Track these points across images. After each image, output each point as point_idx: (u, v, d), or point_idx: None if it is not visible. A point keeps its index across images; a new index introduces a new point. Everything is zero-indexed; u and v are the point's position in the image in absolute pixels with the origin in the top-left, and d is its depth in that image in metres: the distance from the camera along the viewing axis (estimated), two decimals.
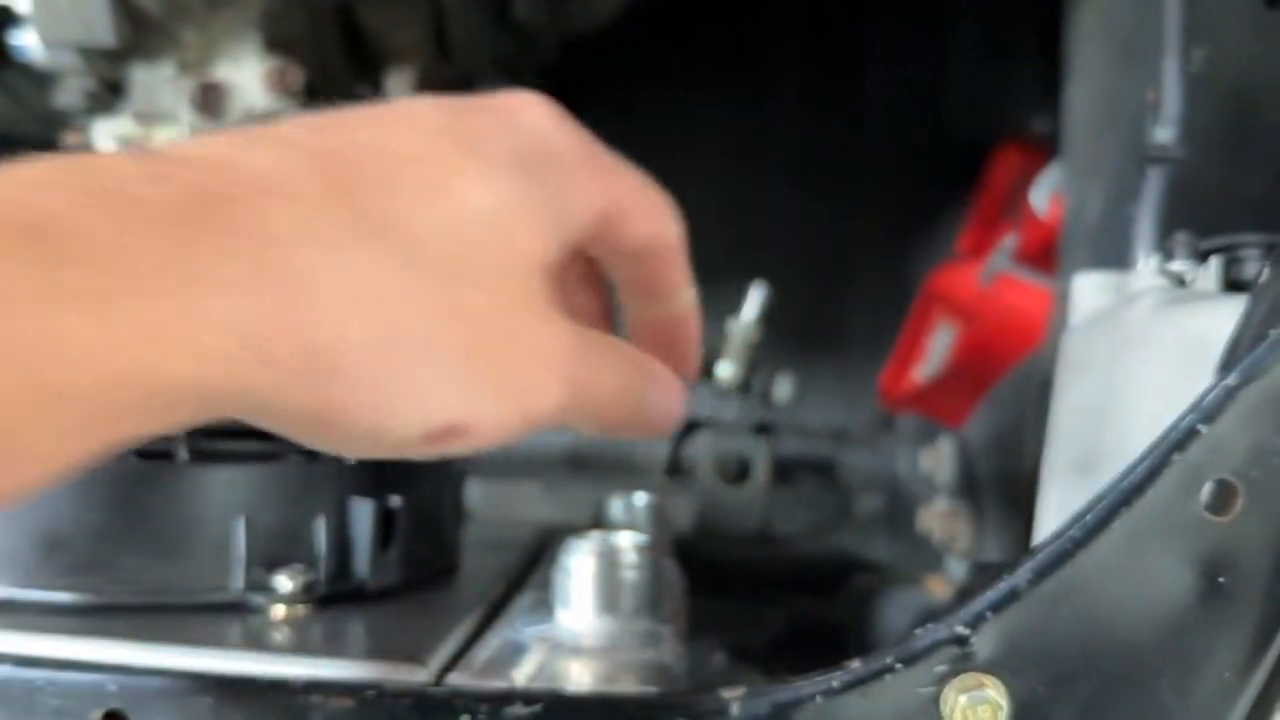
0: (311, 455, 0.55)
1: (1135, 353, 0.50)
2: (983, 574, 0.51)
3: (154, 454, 0.51)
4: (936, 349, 1.06)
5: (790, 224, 1.27)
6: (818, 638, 0.82)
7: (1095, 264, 0.68)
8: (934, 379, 0.98)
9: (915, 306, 1.09)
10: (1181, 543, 0.40)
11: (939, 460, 0.86)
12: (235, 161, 0.30)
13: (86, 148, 0.79)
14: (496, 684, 0.44)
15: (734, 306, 1.08)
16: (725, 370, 0.95)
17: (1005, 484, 0.76)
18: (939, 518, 0.84)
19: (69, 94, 0.80)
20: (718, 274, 1.27)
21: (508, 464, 1.01)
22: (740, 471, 0.91)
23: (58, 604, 0.50)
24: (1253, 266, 0.54)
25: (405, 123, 0.35)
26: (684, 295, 0.45)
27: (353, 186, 0.32)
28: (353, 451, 0.34)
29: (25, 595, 0.50)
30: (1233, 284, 0.54)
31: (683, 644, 0.54)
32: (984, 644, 0.41)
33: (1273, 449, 0.40)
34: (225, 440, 0.53)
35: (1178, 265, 0.55)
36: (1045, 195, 0.81)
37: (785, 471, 0.98)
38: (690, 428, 0.95)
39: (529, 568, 0.68)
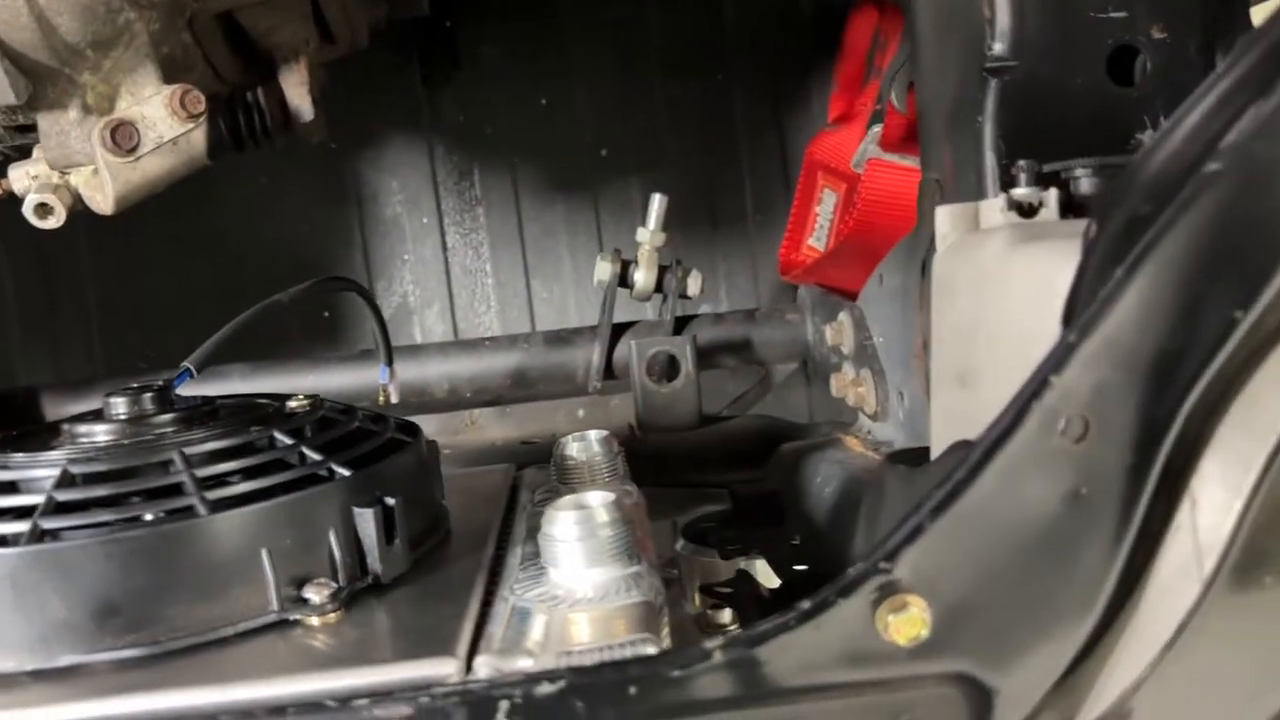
0: (312, 480, 0.62)
1: (994, 287, 0.59)
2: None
3: (178, 511, 0.59)
4: (824, 215, 1.14)
5: (670, 114, 1.32)
6: (758, 508, 0.93)
7: (953, 162, 0.76)
8: (825, 255, 1.06)
9: (800, 179, 1.16)
10: (1048, 469, 0.50)
11: (841, 333, 0.95)
12: None
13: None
14: (521, 664, 0.53)
15: (628, 203, 1.14)
16: (640, 277, 1.02)
17: (898, 352, 0.85)
18: (848, 385, 0.94)
19: None
20: (610, 171, 1.33)
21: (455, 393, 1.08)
22: (670, 369, 0.99)
23: (123, 660, 0.57)
24: (1086, 183, 0.63)
25: None
26: None
27: None
28: None
29: (92, 659, 0.57)
30: (1071, 204, 0.63)
31: (657, 574, 0.64)
32: (902, 571, 0.51)
33: (1111, 385, 0.49)
34: (232, 485, 0.61)
35: (1021, 192, 0.63)
36: (902, 88, 0.88)
37: (707, 356, 1.06)
38: (617, 335, 1.03)
39: (508, 520, 0.76)
